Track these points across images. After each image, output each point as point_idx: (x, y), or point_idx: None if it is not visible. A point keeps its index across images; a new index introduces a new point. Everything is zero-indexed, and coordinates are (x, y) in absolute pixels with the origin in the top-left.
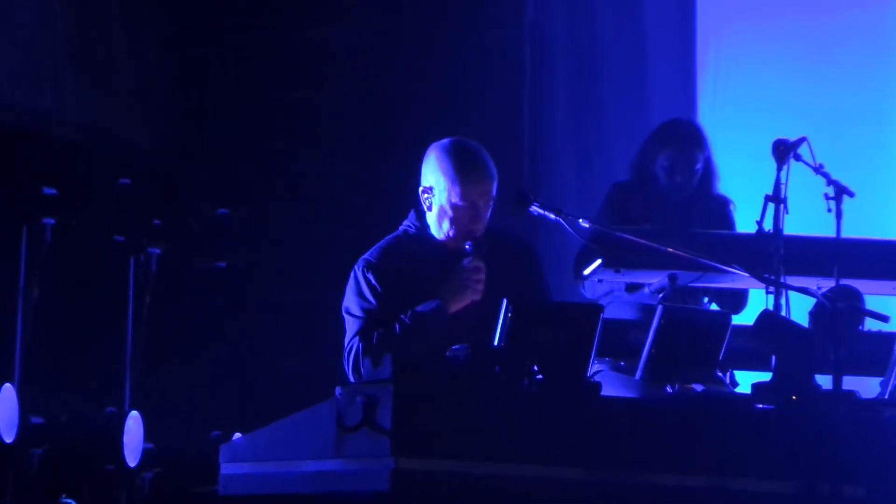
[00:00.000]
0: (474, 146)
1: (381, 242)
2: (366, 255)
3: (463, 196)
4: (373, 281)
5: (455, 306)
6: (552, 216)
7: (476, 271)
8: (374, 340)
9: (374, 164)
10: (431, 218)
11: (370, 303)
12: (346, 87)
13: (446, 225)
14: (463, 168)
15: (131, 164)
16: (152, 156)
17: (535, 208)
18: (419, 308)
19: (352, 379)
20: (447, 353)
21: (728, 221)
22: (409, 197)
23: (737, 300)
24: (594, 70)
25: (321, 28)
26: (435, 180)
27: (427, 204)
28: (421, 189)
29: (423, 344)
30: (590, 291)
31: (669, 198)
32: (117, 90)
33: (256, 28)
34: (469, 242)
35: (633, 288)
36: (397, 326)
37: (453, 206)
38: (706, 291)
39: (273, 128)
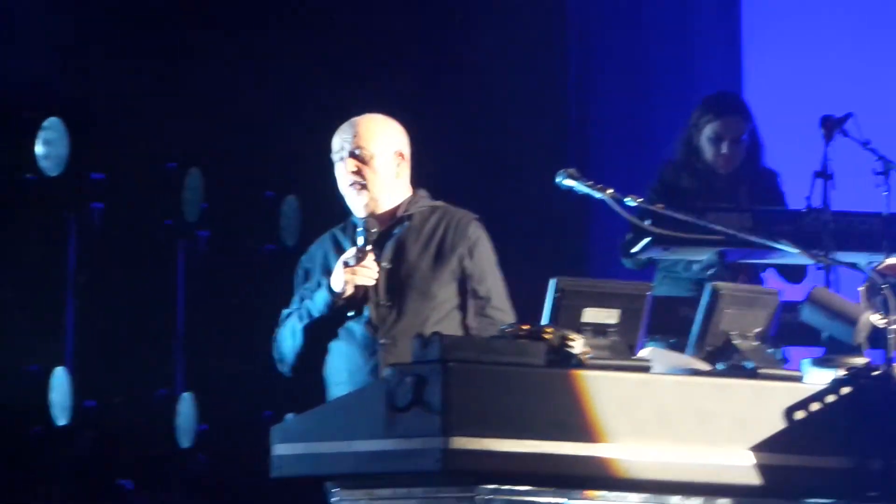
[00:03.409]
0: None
1: None
2: None
3: (333, 156)
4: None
5: (339, 288)
6: (598, 194)
7: (360, 264)
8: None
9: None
10: None
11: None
12: (392, 70)
13: None
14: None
15: (177, 148)
16: (198, 140)
17: (580, 186)
18: (312, 298)
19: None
20: (497, 332)
21: (777, 194)
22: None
23: (797, 272)
24: (641, 46)
25: None
26: None
27: None
28: None
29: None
30: (633, 264)
31: (717, 172)
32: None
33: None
34: (363, 225)
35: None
36: (298, 313)
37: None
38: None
39: (323, 113)
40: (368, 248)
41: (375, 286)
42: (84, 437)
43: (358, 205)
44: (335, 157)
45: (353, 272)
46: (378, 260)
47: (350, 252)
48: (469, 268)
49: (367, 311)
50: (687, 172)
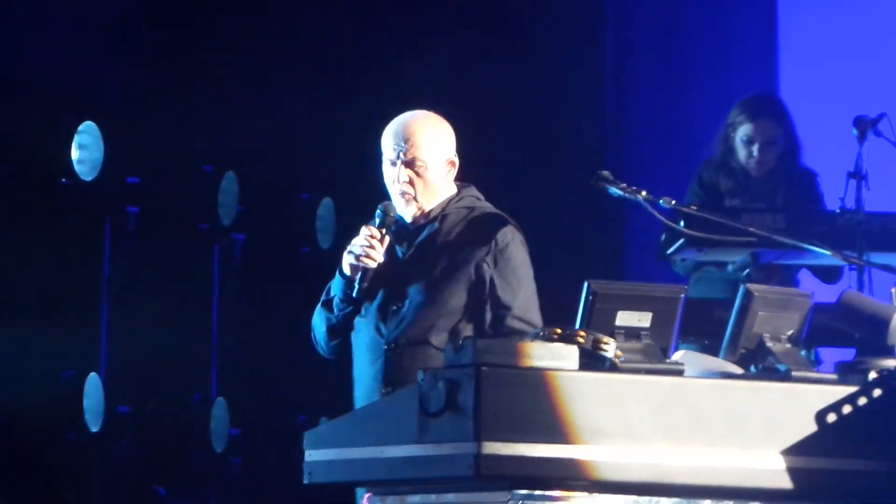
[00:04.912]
0: (415, 112)
1: None
2: None
3: (384, 155)
4: None
5: (347, 271)
6: (631, 197)
7: (367, 238)
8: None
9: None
10: None
11: None
12: (427, 71)
13: None
14: (385, 130)
15: (213, 151)
16: (233, 144)
17: (614, 189)
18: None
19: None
20: (531, 336)
21: (816, 194)
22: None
23: (833, 272)
24: (677, 46)
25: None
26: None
27: None
28: None
29: (339, 308)
30: (681, 269)
31: (752, 172)
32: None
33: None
34: (381, 208)
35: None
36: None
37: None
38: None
39: (357, 115)
40: (383, 231)
41: (385, 286)
42: (118, 443)
43: (406, 213)
44: (386, 159)
45: (356, 253)
46: (400, 258)
47: (361, 235)
48: (489, 274)
49: (374, 312)
50: (724, 172)
